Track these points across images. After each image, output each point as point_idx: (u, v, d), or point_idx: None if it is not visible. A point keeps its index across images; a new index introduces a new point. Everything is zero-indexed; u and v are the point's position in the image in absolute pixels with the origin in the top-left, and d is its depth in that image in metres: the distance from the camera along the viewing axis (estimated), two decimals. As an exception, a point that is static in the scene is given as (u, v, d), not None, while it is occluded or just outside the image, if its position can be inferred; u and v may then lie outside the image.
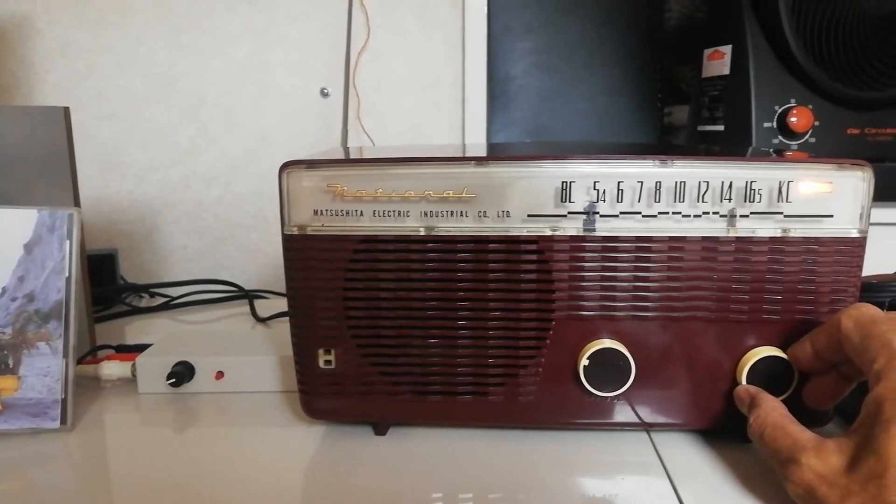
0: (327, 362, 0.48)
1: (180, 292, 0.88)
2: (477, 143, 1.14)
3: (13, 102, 1.07)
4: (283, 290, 0.89)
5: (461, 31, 1.11)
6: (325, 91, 1.09)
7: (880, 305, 0.52)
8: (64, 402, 0.51)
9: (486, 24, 1.13)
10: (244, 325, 0.78)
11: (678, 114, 1.27)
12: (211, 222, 1.11)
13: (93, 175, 1.08)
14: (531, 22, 1.19)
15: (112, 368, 0.59)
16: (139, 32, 1.09)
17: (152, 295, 0.92)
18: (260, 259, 1.11)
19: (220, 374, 0.58)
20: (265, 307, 0.82)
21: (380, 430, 0.50)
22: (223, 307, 0.84)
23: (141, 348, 0.62)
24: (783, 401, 0.46)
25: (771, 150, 0.96)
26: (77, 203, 0.63)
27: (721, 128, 1.06)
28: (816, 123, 0.98)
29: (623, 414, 0.48)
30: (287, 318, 0.72)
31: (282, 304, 0.80)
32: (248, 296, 0.85)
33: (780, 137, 0.99)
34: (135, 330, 0.78)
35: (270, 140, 1.10)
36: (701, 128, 1.10)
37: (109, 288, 0.89)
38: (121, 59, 1.09)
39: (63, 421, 0.51)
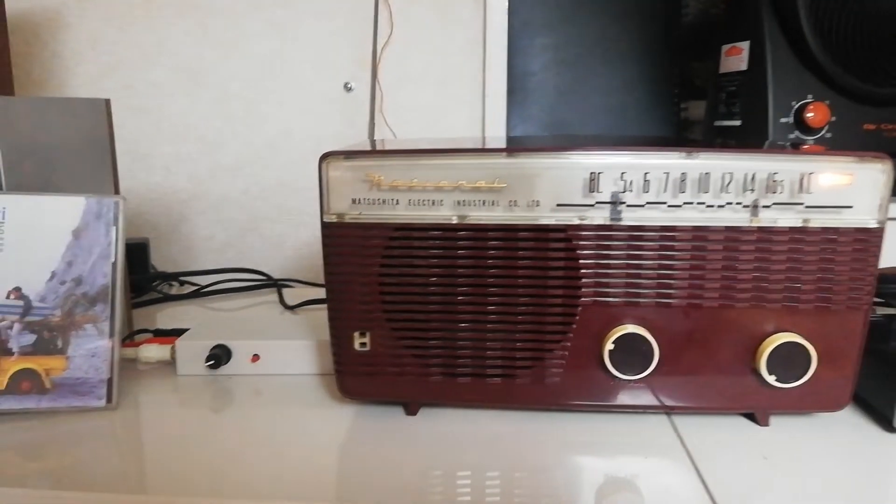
0: (362, 344, 0.50)
1: (209, 280, 0.90)
2: (497, 136, 1.16)
3: (45, 94, 1.10)
4: (309, 280, 0.91)
5: (482, 27, 1.13)
6: (349, 85, 1.11)
7: (894, 296, 0.54)
8: (110, 381, 0.54)
9: (506, 21, 1.14)
10: (273, 312, 0.81)
11: (694, 109, 1.29)
12: (236, 214, 1.13)
13: (121, 167, 1.10)
14: (550, 18, 1.20)
15: (152, 351, 0.62)
16: (166, 27, 1.11)
17: (182, 283, 0.95)
18: (284, 250, 1.14)
19: (255, 357, 0.60)
20: (292, 296, 0.84)
21: (411, 410, 0.53)
22: (251, 295, 0.86)
23: (177, 333, 0.64)
24: (800, 385, 0.48)
25: (788, 144, 0.97)
26: (117, 191, 0.66)
27: (738, 123, 1.07)
28: (833, 119, 0.99)
29: (645, 397, 0.50)
30: (314, 307, 0.75)
31: (309, 293, 0.82)
32: (277, 284, 0.87)
33: (797, 132, 1.00)
34: (167, 316, 0.81)
35: (294, 133, 1.13)
36: (718, 123, 1.12)
37: (142, 276, 0.91)
38: (148, 52, 1.12)
39: (109, 399, 0.54)
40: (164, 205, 1.13)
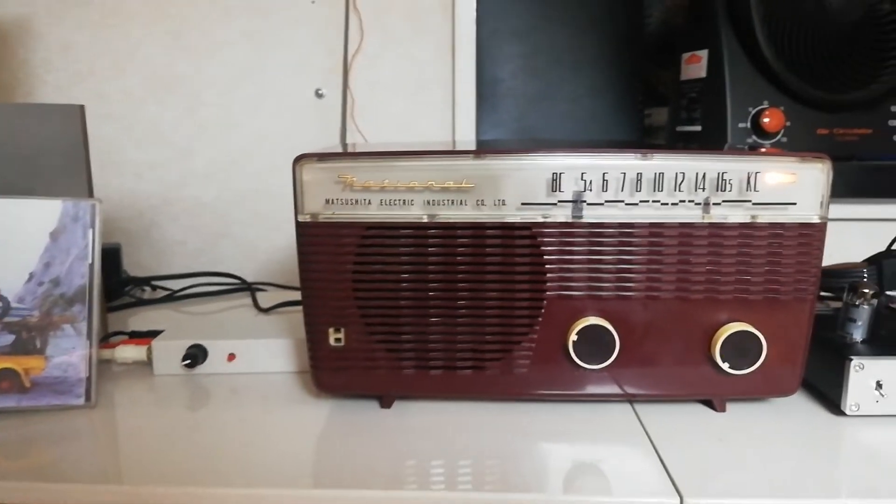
0: (337, 340, 0.52)
1: (182, 285, 0.91)
2: (466, 140, 1.18)
3: (14, 102, 1.10)
4: (283, 283, 0.92)
5: (451, 35, 1.16)
6: (320, 92, 1.13)
7: (841, 290, 0.58)
8: (89, 380, 0.55)
9: (475, 29, 1.17)
10: (247, 314, 0.82)
11: (658, 115, 1.33)
12: (208, 219, 1.14)
13: (92, 173, 1.11)
14: (518, 27, 1.23)
15: (128, 352, 0.63)
16: (138, 35, 1.12)
17: (154, 288, 0.95)
18: (257, 255, 1.14)
19: (232, 356, 0.61)
20: (266, 299, 0.85)
21: (385, 403, 0.54)
22: (225, 299, 0.87)
23: (152, 334, 0.65)
24: (752, 372, 0.51)
25: (746, 147, 1.02)
26: (91, 196, 0.67)
27: (698, 128, 1.11)
28: (788, 124, 1.03)
29: (608, 386, 0.52)
30: (288, 308, 0.76)
31: (282, 296, 0.83)
32: (251, 288, 0.88)
33: (754, 137, 1.04)
34: (140, 320, 0.81)
35: (267, 139, 1.14)
36: (679, 128, 1.15)
37: (114, 280, 0.92)
38: (120, 60, 1.12)
39: (88, 398, 0.55)
40: (135, 210, 1.13)
